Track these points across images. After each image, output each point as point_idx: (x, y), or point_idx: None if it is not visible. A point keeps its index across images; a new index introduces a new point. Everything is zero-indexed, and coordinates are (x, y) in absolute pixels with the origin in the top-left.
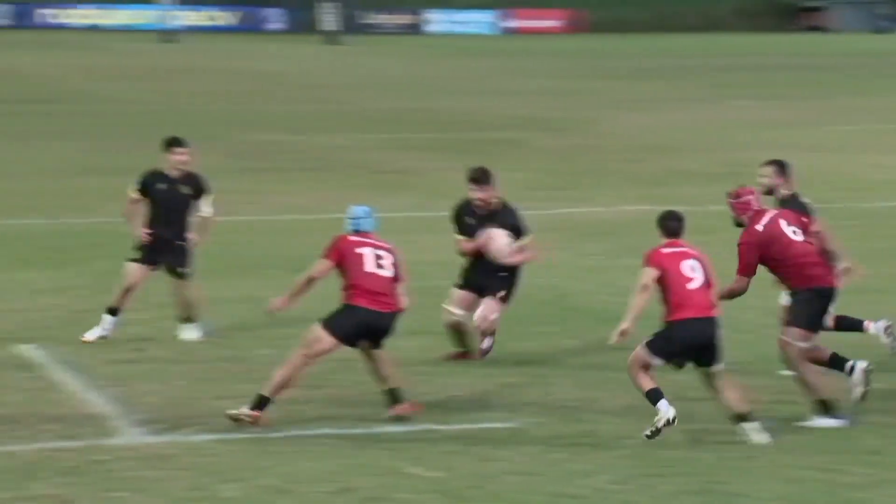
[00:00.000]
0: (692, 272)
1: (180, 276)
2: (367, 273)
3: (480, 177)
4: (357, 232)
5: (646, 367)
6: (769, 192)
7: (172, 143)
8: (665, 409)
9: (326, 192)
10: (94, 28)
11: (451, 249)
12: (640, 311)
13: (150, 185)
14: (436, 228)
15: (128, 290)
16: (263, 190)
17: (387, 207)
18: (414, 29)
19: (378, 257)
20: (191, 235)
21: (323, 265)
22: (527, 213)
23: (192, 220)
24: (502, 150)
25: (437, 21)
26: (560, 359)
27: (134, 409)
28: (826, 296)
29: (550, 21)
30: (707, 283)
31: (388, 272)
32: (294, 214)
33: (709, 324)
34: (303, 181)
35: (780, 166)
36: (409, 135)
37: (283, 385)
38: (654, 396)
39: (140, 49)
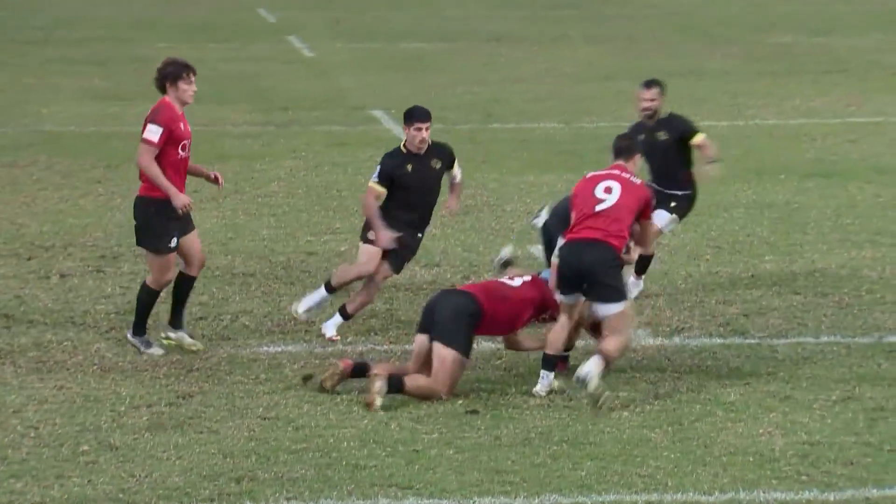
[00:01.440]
0: (604, 194)
1: (397, 271)
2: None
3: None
4: None
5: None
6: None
7: (415, 116)
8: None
9: (842, 95)
10: None
11: None
12: None
13: (397, 172)
14: None
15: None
16: (781, 93)
17: None
18: None
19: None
20: (453, 204)
21: None
22: None
23: (453, 184)
24: None
25: None
26: None
27: (640, 313)
28: None
29: None
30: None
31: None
32: (810, 118)
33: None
34: (820, 84)
35: (662, 87)
36: None
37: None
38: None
39: None
